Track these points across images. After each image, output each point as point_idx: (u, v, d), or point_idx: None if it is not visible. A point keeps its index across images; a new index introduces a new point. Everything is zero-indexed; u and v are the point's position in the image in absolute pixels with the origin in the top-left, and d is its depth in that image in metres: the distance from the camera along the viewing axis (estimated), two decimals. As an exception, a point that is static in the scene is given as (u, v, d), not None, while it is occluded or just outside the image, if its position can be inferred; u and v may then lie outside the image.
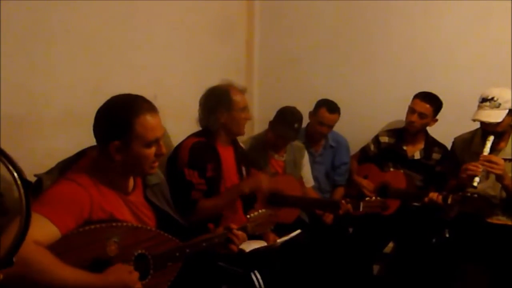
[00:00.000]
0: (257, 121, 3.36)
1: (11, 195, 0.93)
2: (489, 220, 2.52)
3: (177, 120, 2.54)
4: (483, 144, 2.41)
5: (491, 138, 2.41)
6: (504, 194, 2.44)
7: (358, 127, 3.21)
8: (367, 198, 2.48)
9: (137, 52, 2.44)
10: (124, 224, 1.49)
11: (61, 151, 1.67)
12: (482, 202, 2.42)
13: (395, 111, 3.03)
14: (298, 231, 2.31)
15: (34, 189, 1.48)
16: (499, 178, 2.36)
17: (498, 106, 2.38)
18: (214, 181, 2.20)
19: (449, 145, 2.82)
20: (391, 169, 2.95)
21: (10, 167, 0.91)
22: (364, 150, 3.12)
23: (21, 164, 0.94)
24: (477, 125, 2.54)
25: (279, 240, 2.26)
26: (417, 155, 2.91)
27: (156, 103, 1.57)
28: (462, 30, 2.99)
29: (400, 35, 3.15)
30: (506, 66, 2.80)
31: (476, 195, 2.37)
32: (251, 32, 3.47)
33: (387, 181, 2.90)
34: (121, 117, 1.48)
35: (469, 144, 2.62)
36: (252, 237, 1.96)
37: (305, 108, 2.91)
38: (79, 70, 2.13)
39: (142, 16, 2.46)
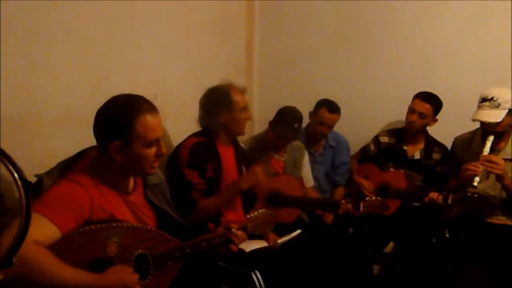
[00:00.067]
0: (257, 121, 3.36)
1: (11, 195, 0.93)
2: (489, 220, 2.52)
3: (177, 120, 2.54)
4: (483, 144, 2.41)
5: (491, 138, 2.41)
6: (504, 194, 2.44)
7: (358, 127, 3.20)
8: (367, 198, 2.48)
9: (137, 52, 2.44)
10: (124, 224, 1.49)
11: (61, 151, 1.67)
12: (482, 202, 2.42)
13: (395, 111, 3.03)
14: (299, 231, 2.32)
15: (35, 189, 1.49)
16: (499, 178, 2.36)
17: (498, 106, 2.38)
18: (215, 181, 2.20)
19: (449, 145, 2.82)
20: (391, 169, 2.95)
21: (10, 167, 0.91)
22: (364, 150, 3.12)
23: (21, 164, 0.94)
24: (477, 125, 2.54)
25: (279, 240, 2.26)
26: (417, 155, 2.91)
27: (157, 103, 1.57)
28: (462, 30, 2.99)
29: (400, 35, 3.15)
30: (506, 66, 2.80)
31: (476, 195, 2.37)
32: (251, 32, 3.47)
33: (387, 181, 2.90)
34: (121, 117, 1.48)
35: (469, 144, 2.62)
36: (252, 237, 1.96)
37: (305, 108, 2.90)
38: (79, 70, 2.13)
39: (142, 16, 2.46)
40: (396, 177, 2.88)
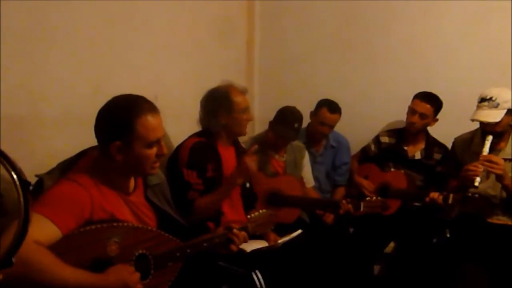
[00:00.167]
0: (258, 121, 3.36)
1: (11, 196, 0.93)
2: (490, 220, 2.51)
3: (177, 120, 2.53)
4: (483, 144, 2.42)
5: (490, 137, 2.41)
6: (504, 194, 2.44)
7: (358, 127, 3.20)
8: (367, 198, 2.48)
9: (137, 52, 2.44)
10: (125, 224, 1.49)
11: (61, 151, 1.67)
12: (482, 202, 2.42)
13: (395, 111, 3.02)
14: (299, 231, 2.32)
15: (35, 190, 1.49)
16: (499, 178, 2.36)
17: (497, 106, 2.38)
18: (215, 181, 2.19)
19: (449, 145, 2.82)
20: (392, 169, 2.95)
21: (9, 168, 0.91)
22: (365, 150, 3.12)
23: (21, 164, 0.94)
24: (477, 125, 2.54)
25: (280, 240, 2.26)
26: (417, 155, 2.91)
27: (157, 104, 1.57)
28: (462, 30, 2.99)
29: (400, 35, 3.15)
30: (506, 66, 2.80)
31: (476, 195, 2.37)
32: (251, 32, 3.46)
33: (387, 181, 2.89)
34: (122, 117, 1.48)
35: (469, 144, 2.62)
36: (253, 237, 1.96)
37: (306, 108, 2.90)
38: (79, 70, 2.13)
39: (142, 16, 2.45)
40: (397, 177, 2.88)
